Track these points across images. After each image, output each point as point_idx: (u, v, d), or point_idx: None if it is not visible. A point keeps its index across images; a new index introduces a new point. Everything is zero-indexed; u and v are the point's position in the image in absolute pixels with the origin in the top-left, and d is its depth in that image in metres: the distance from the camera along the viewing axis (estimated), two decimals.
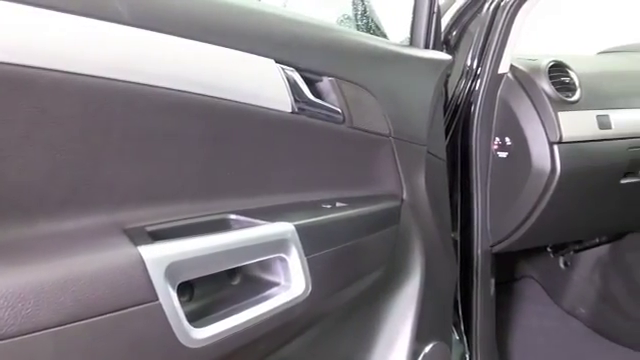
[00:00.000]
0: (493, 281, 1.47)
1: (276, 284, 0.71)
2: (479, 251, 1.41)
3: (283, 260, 0.70)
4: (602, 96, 1.42)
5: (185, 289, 0.63)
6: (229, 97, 0.69)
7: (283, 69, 0.76)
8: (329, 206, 0.82)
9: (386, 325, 1.02)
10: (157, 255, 0.55)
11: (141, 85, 0.59)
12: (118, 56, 0.57)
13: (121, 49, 0.58)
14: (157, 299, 0.54)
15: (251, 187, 0.75)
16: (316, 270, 0.73)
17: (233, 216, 0.70)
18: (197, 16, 0.68)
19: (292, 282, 0.70)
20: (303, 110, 0.78)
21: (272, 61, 0.74)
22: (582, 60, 1.56)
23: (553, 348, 1.87)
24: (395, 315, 1.03)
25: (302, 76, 0.79)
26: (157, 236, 0.60)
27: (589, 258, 2.01)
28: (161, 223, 0.63)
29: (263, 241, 0.67)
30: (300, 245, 0.70)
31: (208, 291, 0.67)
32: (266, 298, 0.69)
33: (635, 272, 1.87)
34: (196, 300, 0.65)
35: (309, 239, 0.72)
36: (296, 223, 0.71)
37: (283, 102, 0.75)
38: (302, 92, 0.78)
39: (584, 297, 2.01)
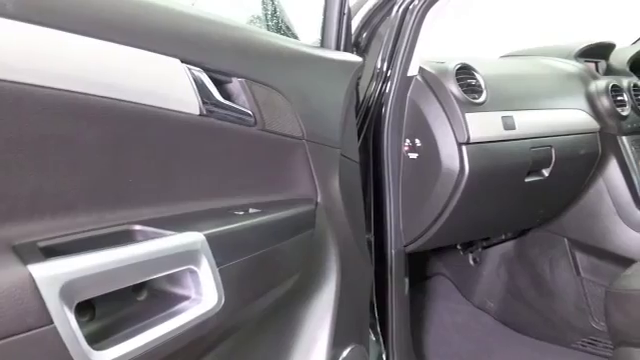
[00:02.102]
0: (407, 280, 1.49)
1: (186, 298, 0.67)
2: (393, 251, 1.42)
3: (193, 272, 0.66)
4: (506, 98, 1.48)
5: (85, 309, 0.58)
6: (131, 99, 0.64)
7: (190, 69, 0.72)
8: (241, 213, 0.78)
9: (303, 332, 1.00)
10: (50, 273, 0.50)
11: (30, 86, 0.54)
12: (1, 53, 0.52)
13: (4, 45, 0.52)
14: (52, 322, 0.49)
15: (157, 195, 0.70)
16: (229, 281, 0.69)
17: (137, 227, 0.65)
18: (95, 11, 0.62)
19: (203, 295, 0.66)
20: (212, 112, 0.74)
21: (178, 61, 0.70)
22: (486, 63, 1.61)
23: (466, 342, 1.92)
24: (312, 321, 1.01)
25: (210, 77, 0.75)
26: (51, 252, 0.54)
27: (496, 254, 2.09)
28: (55, 238, 0.57)
29: (171, 253, 0.63)
30: (211, 255, 0.67)
31: (111, 309, 0.62)
32: (176, 313, 0.65)
33: (538, 266, 1.96)
34: (98, 320, 0.60)
35: (221, 248, 0.68)
36: (206, 232, 0.67)
37: (190, 104, 0.71)
38: (210, 93, 0.74)
39: (493, 292, 2.09)
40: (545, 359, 1.82)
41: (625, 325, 1.15)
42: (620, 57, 2.06)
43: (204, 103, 0.73)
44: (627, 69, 2.01)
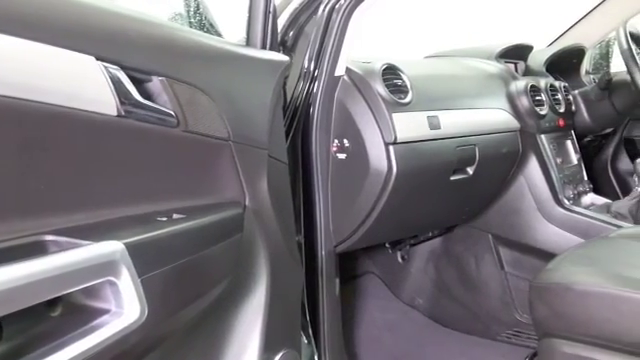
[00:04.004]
0: (338, 281, 1.48)
1: (106, 311, 0.63)
2: (323, 252, 1.41)
3: (113, 284, 0.62)
4: (431, 98, 1.50)
5: None
6: (41, 99, 0.59)
7: (106, 67, 0.67)
8: (164, 219, 0.74)
9: (233, 339, 0.97)
10: None
11: None
12: None
13: None
14: None
15: (72, 202, 0.66)
16: (152, 291, 0.66)
17: (49, 237, 0.60)
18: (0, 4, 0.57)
19: (124, 308, 0.63)
20: (130, 113, 0.70)
21: (92, 58, 0.66)
22: (411, 63, 1.63)
23: (396, 340, 1.94)
24: (242, 328, 0.98)
25: (128, 75, 0.71)
26: None
27: (424, 251, 2.12)
28: None
29: (87, 264, 0.59)
30: (132, 265, 0.63)
31: (22, 328, 0.57)
32: (95, 328, 0.61)
33: (464, 262, 2.00)
34: (6, 341, 0.55)
35: (142, 257, 0.65)
36: (126, 241, 0.63)
37: (106, 104, 0.67)
38: (129, 93, 0.70)
39: (421, 288, 2.12)
40: (473, 352, 1.86)
41: (548, 317, 1.19)
42: (537, 58, 2.14)
43: (122, 103, 0.68)
44: (544, 70, 2.09)
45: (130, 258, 0.63)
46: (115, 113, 0.68)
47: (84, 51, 0.65)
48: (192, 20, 1.11)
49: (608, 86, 2.00)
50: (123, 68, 0.70)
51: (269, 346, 1.01)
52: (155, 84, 0.77)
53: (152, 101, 0.75)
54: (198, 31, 1.04)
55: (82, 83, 0.64)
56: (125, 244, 0.63)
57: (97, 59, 0.66)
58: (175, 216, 0.77)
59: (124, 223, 0.70)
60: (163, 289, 0.69)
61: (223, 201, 0.91)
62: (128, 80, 0.71)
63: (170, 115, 0.77)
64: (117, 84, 0.69)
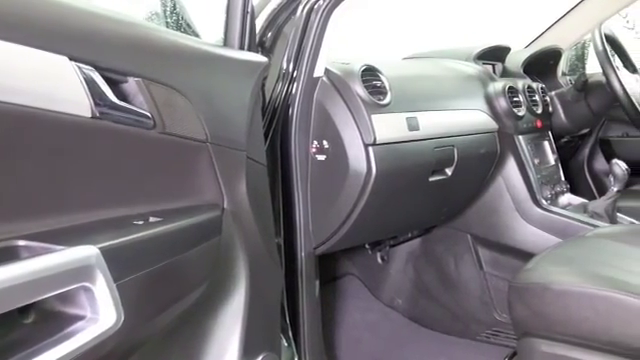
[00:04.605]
0: (317, 283, 1.48)
1: (81, 318, 0.61)
2: (303, 254, 1.40)
3: (88, 289, 0.60)
4: (410, 99, 1.50)
5: None
6: (12, 100, 0.58)
7: (79, 68, 0.66)
8: (141, 222, 0.73)
9: (212, 344, 0.96)
10: None
11: None
12: None
13: None
14: None
15: (45, 206, 0.64)
16: (129, 297, 0.64)
17: (22, 242, 0.59)
18: None
19: (100, 314, 0.61)
20: (105, 114, 0.68)
21: (65, 58, 0.64)
22: (390, 65, 1.63)
23: (376, 340, 1.94)
24: (221, 332, 0.97)
25: (103, 76, 0.69)
26: None
27: (403, 252, 2.13)
28: None
29: (61, 270, 0.57)
30: (107, 270, 0.61)
31: None
32: (69, 335, 0.59)
33: (443, 262, 2.01)
34: None
35: (118, 262, 0.63)
36: (101, 245, 0.62)
37: (80, 105, 0.65)
38: (103, 94, 0.69)
39: (401, 289, 2.12)
40: (452, 352, 1.87)
41: (527, 317, 1.20)
42: (515, 60, 2.16)
43: (96, 104, 0.67)
44: (521, 71, 2.11)
45: (105, 263, 0.62)
46: (89, 114, 0.67)
47: (57, 51, 0.63)
48: (169, 20, 1.10)
49: (584, 87, 2.03)
50: (98, 69, 0.69)
51: (249, 350, 1.00)
52: (131, 85, 0.75)
53: (128, 102, 0.74)
54: (175, 31, 1.03)
55: (55, 84, 0.63)
56: (100, 249, 0.61)
57: (70, 59, 0.65)
58: (152, 219, 0.76)
59: (99, 227, 0.68)
60: (139, 294, 0.68)
61: (201, 203, 0.90)
62: (103, 81, 0.69)
63: (146, 116, 0.76)
64: (91, 85, 0.67)
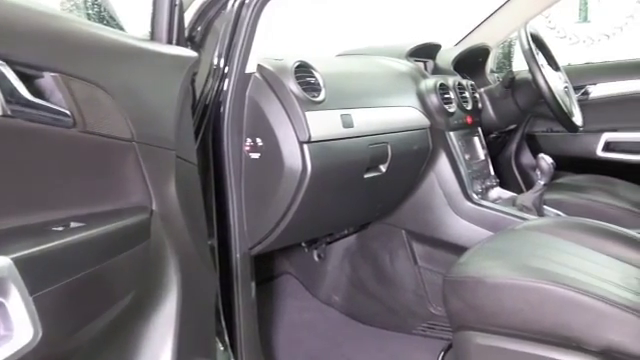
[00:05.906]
0: (254, 284, 1.45)
1: None
2: (238, 255, 1.37)
3: (0, 305, 0.55)
4: (344, 96, 1.49)
5: None
6: None
7: None
8: (60, 228, 0.68)
9: (145, 350, 0.92)
10: None
11: None
12: None
13: None
14: None
15: None
16: (47, 310, 0.60)
17: None
18: None
19: (14, 330, 0.56)
20: (18, 112, 0.63)
21: None
22: (324, 61, 1.61)
23: (315, 339, 1.93)
24: (153, 339, 0.93)
25: (16, 71, 0.64)
26: None
27: (340, 249, 2.13)
28: None
29: None
30: (22, 282, 0.56)
31: None
32: None
33: (379, 258, 2.02)
34: None
35: (35, 273, 0.59)
36: (14, 255, 0.57)
37: None
38: (16, 91, 0.64)
39: (337, 286, 2.12)
40: (390, 347, 1.88)
41: (462, 310, 1.21)
42: (445, 57, 2.19)
43: (7, 102, 0.62)
44: (452, 68, 2.14)
45: (20, 274, 0.57)
46: (0, 113, 0.61)
47: None
48: (90, 11, 1.03)
49: (511, 84, 2.08)
50: (9, 63, 0.64)
51: (182, 355, 0.96)
52: (47, 81, 0.70)
53: (44, 99, 0.69)
54: (97, 24, 0.97)
55: None
56: (13, 259, 0.57)
57: None
58: (73, 225, 0.71)
59: (12, 235, 0.63)
60: (60, 307, 0.63)
61: (128, 206, 0.85)
62: (15, 76, 0.64)
63: (65, 114, 0.71)
64: (2, 81, 0.62)
